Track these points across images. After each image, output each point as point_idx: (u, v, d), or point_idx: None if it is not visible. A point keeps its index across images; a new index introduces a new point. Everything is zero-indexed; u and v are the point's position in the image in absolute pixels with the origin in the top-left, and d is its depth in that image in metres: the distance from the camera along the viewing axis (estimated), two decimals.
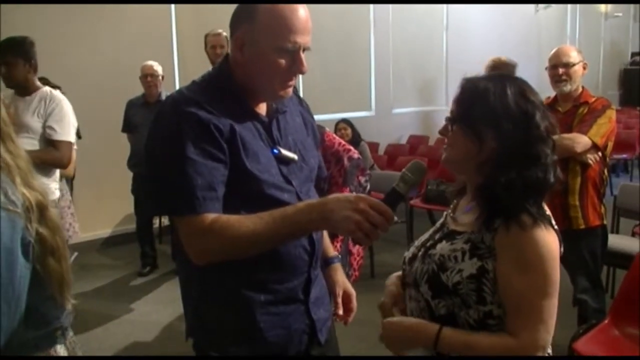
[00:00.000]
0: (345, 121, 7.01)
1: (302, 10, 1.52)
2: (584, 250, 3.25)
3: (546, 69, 3.31)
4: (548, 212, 1.45)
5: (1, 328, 1.27)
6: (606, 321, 2.95)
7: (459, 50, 10.53)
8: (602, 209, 3.27)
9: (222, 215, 1.44)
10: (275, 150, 1.58)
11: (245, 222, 1.42)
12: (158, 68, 5.23)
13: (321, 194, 1.96)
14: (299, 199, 1.60)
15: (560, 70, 3.22)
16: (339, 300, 1.82)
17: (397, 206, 1.43)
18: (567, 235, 3.16)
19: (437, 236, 1.57)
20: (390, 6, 9.42)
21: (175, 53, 6.92)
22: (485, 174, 1.43)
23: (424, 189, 6.15)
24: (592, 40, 15.11)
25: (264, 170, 1.53)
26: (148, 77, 5.18)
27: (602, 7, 15.55)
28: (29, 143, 3.27)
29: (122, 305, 4.70)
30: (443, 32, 10.66)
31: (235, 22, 1.55)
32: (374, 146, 8.16)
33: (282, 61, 1.51)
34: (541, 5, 12.79)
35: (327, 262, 1.86)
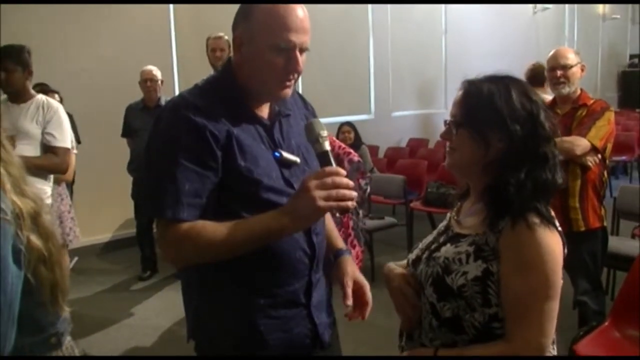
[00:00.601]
0: (349, 124, 7.02)
1: (299, 9, 1.51)
2: (584, 253, 3.25)
3: (545, 71, 3.31)
4: (552, 213, 1.45)
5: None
6: (606, 323, 2.94)
7: (457, 53, 10.56)
8: (602, 211, 3.27)
9: (198, 222, 1.45)
10: (277, 154, 1.57)
11: (220, 228, 1.44)
12: (157, 73, 5.24)
13: None
14: None
15: (559, 73, 3.22)
16: (348, 290, 1.65)
17: (330, 162, 1.45)
18: (567, 238, 3.16)
19: (441, 239, 1.57)
20: (389, 10, 9.46)
21: (175, 57, 6.93)
22: (493, 175, 1.43)
23: (424, 191, 6.16)
24: (590, 42, 15.14)
25: (263, 174, 1.52)
26: (147, 82, 5.18)
27: (600, 9, 15.61)
28: (29, 149, 3.33)
29: (122, 310, 4.70)
30: (442, 36, 10.69)
31: (235, 23, 1.55)
32: (373, 149, 8.17)
33: (278, 60, 1.50)
34: (539, 7, 12.83)
35: (336, 255, 1.79)
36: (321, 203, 1.37)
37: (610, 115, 3.20)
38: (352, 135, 6.84)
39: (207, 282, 1.62)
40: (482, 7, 11.09)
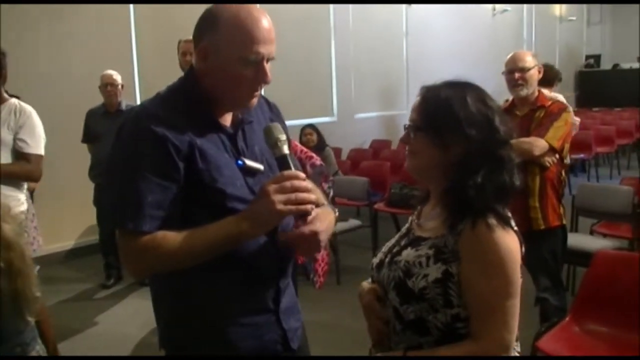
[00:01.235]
0: (311, 126, 7.02)
1: (264, 20, 1.52)
2: (545, 251, 3.32)
3: (503, 73, 3.38)
4: (509, 214, 1.48)
5: None
6: (567, 319, 3.01)
7: (419, 55, 10.70)
8: (561, 209, 3.35)
9: (159, 233, 1.45)
10: (240, 162, 1.57)
11: (179, 237, 1.44)
12: (117, 77, 5.18)
13: None
14: None
15: (517, 75, 3.29)
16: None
17: (291, 166, 1.48)
18: (527, 236, 3.21)
19: (402, 242, 1.59)
20: (351, 12, 9.52)
21: (135, 61, 6.86)
22: (452, 178, 1.46)
23: (388, 192, 6.20)
24: (548, 43, 15.49)
25: (227, 183, 1.52)
26: (108, 87, 5.13)
27: (557, 11, 15.98)
28: (1, 156, 3.19)
29: (87, 319, 4.62)
30: (403, 38, 10.81)
31: (199, 33, 1.54)
32: (337, 151, 8.19)
33: (246, 72, 1.50)
34: (498, 9, 13.08)
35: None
36: (280, 207, 1.39)
37: (567, 117, 3.28)
38: (314, 137, 6.82)
39: (177, 291, 1.61)
40: (443, 9, 11.25)
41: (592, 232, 4.81)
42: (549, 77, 5.71)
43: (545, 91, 5.87)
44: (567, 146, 3.33)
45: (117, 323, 4.55)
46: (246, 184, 1.57)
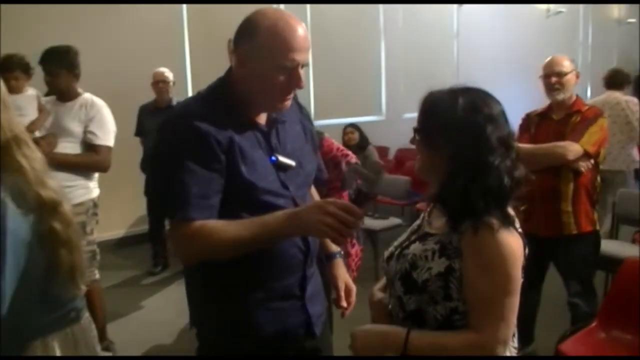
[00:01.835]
0: (353, 125, 7.06)
1: (300, 29, 1.62)
2: (576, 255, 3.33)
3: (540, 77, 3.40)
4: (513, 215, 1.54)
5: (21, 310, 1.48)
6: (594, 324, 3.03)
7: (469, 56, 10.62)
8: (595, 215, 3.35)
9: (209, 221, 1.57)
10: (274, 158, 1.70)
11: (228, 228, 1.56)
12: (169, 74, 5.39)
13: (321, 197, 2.09)
14: (295, 203, 1.72)
15: (553, 79, 3.30)
16: (342, 293, 1.92)
17: (365, 204, 1.56)
18: (559, 240, 3.29)
19: (412, 237, 1.68)
20: (401, 12, 9.53)
21: (188, 58, 7.08)
22: (442, 182, 1.53)
23: None
24: (605, 47, 15.06)
25: (261, 178, 1.65)
26: (159, 84, 5.33)
27: (615, 14, 15.52)
28: (71, 147, 3.44)
29: (133, 303, 4.86)
30: (453, 39, 10.75)
31: (238, 39, 1.66)
32: (384, 150, 8.26)
33: (281, 78, 1.62)
34: (552, 11, 12.80)
35: (329, 258, 1.96)
36: (325, 228, 1.47)
37: (603, 122, 3.28)
38: (355, 136, 6.86)
39: (207, 275, 1.75)
40: (494, 10, 11.11)
41: (633, 241, 4.75)
42: (619, 80, 5.68)
43: (618, 94, 5.84)
44: (602, 151, 3.32)
45: (161, 308, 4.77)
46: (278, 179, 1.70)
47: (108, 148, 3.57)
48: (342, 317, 1.96)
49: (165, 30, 6.84)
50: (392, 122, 9.44)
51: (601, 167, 3.45)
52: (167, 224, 6.00)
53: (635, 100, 5.60)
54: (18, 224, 1.44)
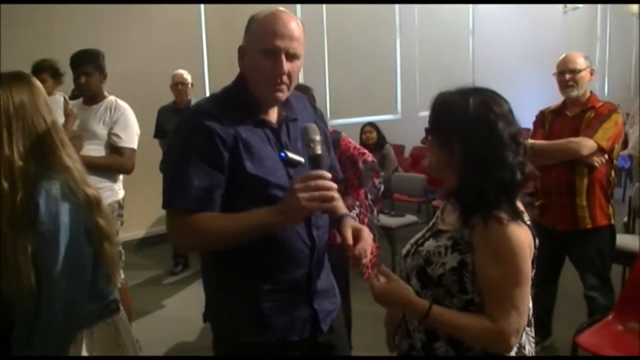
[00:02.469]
0: (371, 124, 7.16)
1: (290, 21, 1.72)
2: (592, 249, 3.37)
3: (554, 74, 3.43)
4: (522, 208, 1.60)
5: (73, 301, 1.60)
6: (610, 316, 3.06)
7: (485, 54, 10.60)
8: (610, 209, 3.38)
9: (203, 214, 1.66)
10: (282, 154, 1.77)
11: (218, 220, 1.67)
12: (187, 76, 5.47)
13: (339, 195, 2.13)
14: None
15: (567, 77, 3.34)
16: (348, 235, 1.77)
17: (321, 166, 1.63)
18: (575, 234, 3.33)
19: (427, 234, 1.75)
20: (416, 11, 9.55)
21: (206, 61, 7.18)
22: (459, 178, 1.59)
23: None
24: (624, 42, 14.92)
25: (269, 173, 1.72)
26: (178, 85, 5.42)
27: (634, 7, 15.37)
28: (96, 149, 3.51)
29: (154, 302, 4.96)
30: (469, 36, 10.74)
31: (243, 37, 1.78)
32: (399, 149, 8.29)
33: (267, 63, 1.70)
34: (570, 7, 12.72)
35: (338, 220, 1.92)
36: (304, 203, 1.57)
37: (617, 118, 3.31)
38: (374, 135, 6.97)
39: (220, 270, 1.83)
40: (510, 7, 11.07)
41: None
42: None
43: None
44: (617, 147, 3.35)
45: (182, 307, 4.86)
46: (287, 174, 1.77)
47: (132, 150, 3.65)
48: (366, 277, 1.94)
49: (183, 32, 6.94)
50: (408, 120, 9.46)
51: None
52: None
53: None
54: (70, 219, 1.57)
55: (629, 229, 4.70)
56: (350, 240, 1.76)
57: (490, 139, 1.54)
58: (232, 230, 1.66)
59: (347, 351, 2.08)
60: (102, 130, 3.55)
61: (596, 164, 3.25)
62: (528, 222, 1.58)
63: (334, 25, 8.37)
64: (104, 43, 6.18)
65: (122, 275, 3.82)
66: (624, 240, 3.98)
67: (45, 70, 3.64)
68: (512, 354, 1.60)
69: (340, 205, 1.99)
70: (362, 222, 3.25)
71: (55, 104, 3.57)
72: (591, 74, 3.41)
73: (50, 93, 3.61)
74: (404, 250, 1.80)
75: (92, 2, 6.14)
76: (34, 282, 1.55)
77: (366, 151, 3.39)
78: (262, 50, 1.70)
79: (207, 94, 6.97)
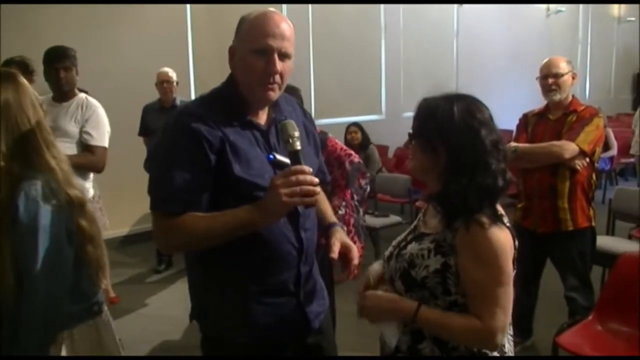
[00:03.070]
0: (356, 125, 7.21)
1: (281, 21, 1.72)
2: (573, 251, 3.42)
3: (537, 79, 3.48)
4: (501, 211, 1.65)
5: (52, 303, 1.59)
6: (590, 317, 3.12)
7: (469, 55, 10.69)
8: (591, 211, 3.43)
9: (187, 214, 1.66)
10: (271, 156, 1.76)
11: (201, 220, 1.66)
12: (173, 75, 5.44)
13: (326, 196, 2.15)
14: None
15: (550, 81, 3.39)
16: (335, 248, 1.83)
17: (301, 161, 1.64)
18: (556, 236, 3.39)
19: (409, 237, 1.77)
20: (401, 12, 9.61)
21: (191, 59, 7.16)
22: (442, 182, 1.63)
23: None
24: (604, 45, 15.13)
25: (256, 175, 1.72)
26: (164, 84, 5.38)
27: (615, 12, 15.57)
28: (67, 147, 3.44)
29: (138, 300, 4.94)
30: (454, 38, 10.82)
31: (234, 38, 1.78)
32: (383, 149, 8.33)
33: (259, 63, 1.70)
34: (552, 10, 12.86)
35: (327, 227, 1.96)
36: (285, 199, 1.57)
37: (599, 122, 3.36)
38: (359, 135, 7.02)
39: (206, 270, 1.83)
40: (494, 9, 11.18)
41: (630, 237, 4.83)
42: None
43: None
44: (598, 150, 3.41)
45: (166, 305, 4.85)
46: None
47: (104, 148, 3.63)
48: (336, 281, 1.95)
49: (169, 31, 6.92)
50: (392, 121, 9.51)
51: None
52: None
53: None
54: (50, 220, 1.56)
55: (608, 231, 4.77)
56: (335, 254, 1.80)
57: (474, 146, 1.58)
58: (216, 229, 1.66)
59: (334, 352, 2.09)
60: (73, 128, 3.52)
61: (578, 167, 3.31)
62: (508, 224, 1.63)
63: (319, 26, 8.39)
64: (90, 42, 6.20)
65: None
66: (604, 241, 4.05)
67: (15, 66, 3.59)
68: (495, 353, 1.64)
69: (329, 212, 2.04)
70: (347, 222, 3.27)
71: None
72: (573, 77, 3.46)
73: None
74: (387, 253, 1.83)
75: (79, 2, 6.11)
76: (13, 282, 1.53)
77: (352, 152, 3.41)
78: (254, 49, 1.70)
79: (193, 93, 6.99)
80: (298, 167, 1.61)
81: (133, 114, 5.60)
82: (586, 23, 14.49)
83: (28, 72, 3.79)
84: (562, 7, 13.11)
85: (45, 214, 1.55)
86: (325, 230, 1.95)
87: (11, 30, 5.40)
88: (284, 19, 1.74)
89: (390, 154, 8.76)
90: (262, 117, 1.83)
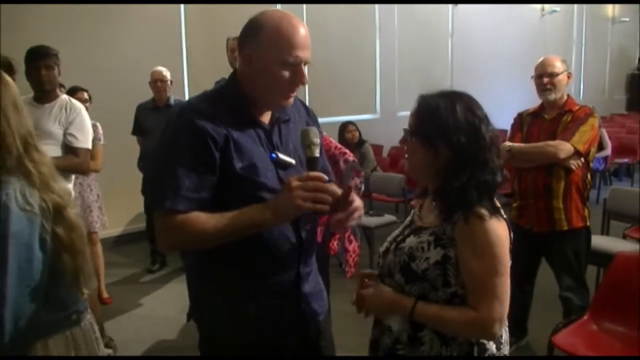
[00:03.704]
0: (353, 123, 7.23)
1: (302, 28, 1.70)
2: (568, 250, 3.42)
3: (532, 78, 3.48)
4: (498, 204, 1.67)
5: (23, 312, 1.52)
6: (586, 316, 3.11)
7: (463, 55, 10.71)
8: (586, 211, 3.43)
9: (192, 213, 1.64)
10: (274, 155, 1.75)
11: (209, 219, 1.63)
12: (167, 73, 5.42)
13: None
14: None
15: (545, 80, 3.38)
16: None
17: (317, 168, 1.64)
18: (551, 236, 3.39)
19: (406, 232, 1.79)
20: (396, 12, 9.62)
21: (185, 58, 7.14)
22: (442, 178, 1.64)
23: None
24: (599, 45, 15.19)
25: (259, 174, 1.70)
26: (158, 82, 5.36)
27: (609, 12, 15.63)
28: (51, 150, 3.38)
29: (132, 300, 4.92)
30: (448, 38, 10.84)
31: (244, 39, 1.73)
32: (378, 148, 8.33)
33: (285, 74, 1.69)
34: (547, 10, 12.91)
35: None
36: (299, 202, 1.56)
37: (594, 122, 3.36)
38: (357, 134, 7.04)
39: (203, 267, 1.81)
40: (489, 9, 11.20)
41: (625, 236, 4.84)
42: None
43: None
44: (593, 150, 3.40)
45: (161, 305, 4.83)
46: (277, 176, 1.75)
47: (87, 150, 3.59)
48: (350, 277, 1.95)
49: (163, 30, 6.90)
50: (387, 120, 9.53)
51: None
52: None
53: None
54: (21, 227, 1.49)
55: (603, 231, 4.78)
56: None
57: (476, 143, 1.61)
58: (224, 229, 1.63)
59: (333, 352, 2.07)
60: (57, 130, 3.47)
61: (573, 167, 3.30)
62: (505, 217, 1.65)
63: (314, 25, 8.31)
64: (83, 41, 6.19)
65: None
66: (599, 241, 4.05)
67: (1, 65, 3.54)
68: (493, 348, 1.67)
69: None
70: None
71: None
72: (568, 77, 3.46)
73: None
74: (382, 248, 1.84)
75: (72, 2, 6.09)
76: None
77: (347, 150, 3.40)
78: (282, 61, 1.67)
79: (187, 91, 6.97)
80: (316, 173, 1.60)
81: (126, 113, 5.58)
82: (580, 23, 14.55)
83: (12, 72, 3.75)
84: (557, 7, 13.15)
85: (16, 220, 1.48)
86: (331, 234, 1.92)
87: (3, 30, 5.37)
88: (302, 24, 1.72)
89: (385, 153, 8.76)
90: (266, 116, 1.82)
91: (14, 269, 1.48)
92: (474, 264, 1.58)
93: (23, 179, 1.55)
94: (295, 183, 1.57)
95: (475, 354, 1.65)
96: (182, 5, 7.10)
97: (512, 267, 1.65)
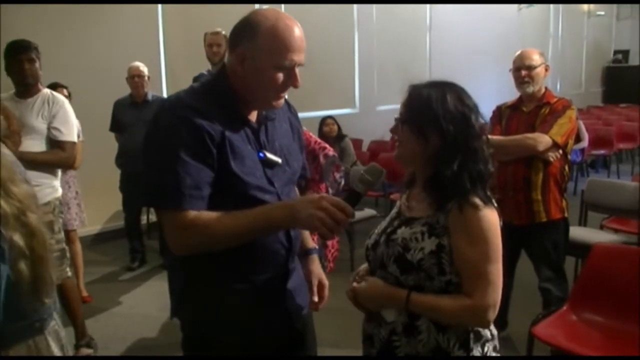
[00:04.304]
0: (332, 117, 7.25)
1: (297, 30, 1.68)
2: (547, 242, 3.44)
3: (510, 71, 3.49)
4: (489, 194, 1.69)
5: None
6: (565, 307, 3.15)
7: (442, 50, 10.75)
8: (564, 203, 3.46)
9: (203, 212, 1.61)
10: (262, 154, 1.74)
11: (224, 219, 1.60)
12: (144, 69, 5.36)
13: (300, 190, 2.15)
14: (280, 199, 1.76)
15: (523, 73, 3.40)
16: (315, 289, 1.98)
17: (356, 204, 1.62)
18: (530, 228, 3.41)
19: (395, 223, 1.79)
20: (374, 7, 9.61)
21: (162, 54, 7.07)
22: (433, 167, 1.67)
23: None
24: (575, 39, 15.34)
25: (249, 173, 1.69)
26: (135, 78, 5.31)
27: (585, 6, 15.80)
28: (35, 144, 3.36)
29: (112, 299, 4.87)
30: (426, 32, 10.88)
31: (237, 38, 1.69)
32: (357, 143, 8.33)
33: (279, 76, 1.67)
34: (524, 5, 13.00)
35: (306, 253, 2.01)
36: (317, 223, 1.53)
37: (571, 114, 3.38)
38: (335, 127, 7.06)
39: (189, 266, 1.77)
40: (466, 4, 11.25)
41: (602, 227, 4.90)
42: None
43: None
44: (570, 142, 3.43)
45: (140, 303, 4.79)
46: (265, 175, 1.74)
47: (73, 144, 3.53)
48: (315, 310, 2.01)
49: (140, 25, 6.83)
50: (366, 114, 9.54)
51: None
52: (143, 220, 6.10)
53: None
54: None
55: (581, 222, 4.83)
56: (315, 296, 1.94)
57: (466, 131, 1.64)
58: (237, 229, 1.60)
59: (316, 347, 2.08)
60: (41, 125, 3.41)
61: (551, 159, 3.32)
62: (495, 205, 1.68)
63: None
64: (61, 37, 6.10)
65: (69, 273, 3.72)
66: (577, 232, 4.09)
67: None
68: (488, 335, 1.70)
69: (307, 234, 2.05)
70: None
71: None
72: (546, 70, 3.48)
73: None
74: (371, 241, 1.83)
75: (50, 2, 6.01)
76: None
77: (327, 145, 3.39)
78: (277, 65, 1.65)
79: (164, 87, 6.91)
80: (349, 208, 1.56)
81: (104, 109, 5.52)
82: (557, 18, 14.69)
83: None
84: (534, 3, 13.25)
85: None
86: (302, 254, 1.96)
87: None
88: (297, 25, 1.70)
89: (365, 147, 8.76)
90: (253, 114, 1.80)
91: None
92: (468, 252, 1.60)
93: None
94: (324, 203, 1.54)
95: (471, 341, 1.67)
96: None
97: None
